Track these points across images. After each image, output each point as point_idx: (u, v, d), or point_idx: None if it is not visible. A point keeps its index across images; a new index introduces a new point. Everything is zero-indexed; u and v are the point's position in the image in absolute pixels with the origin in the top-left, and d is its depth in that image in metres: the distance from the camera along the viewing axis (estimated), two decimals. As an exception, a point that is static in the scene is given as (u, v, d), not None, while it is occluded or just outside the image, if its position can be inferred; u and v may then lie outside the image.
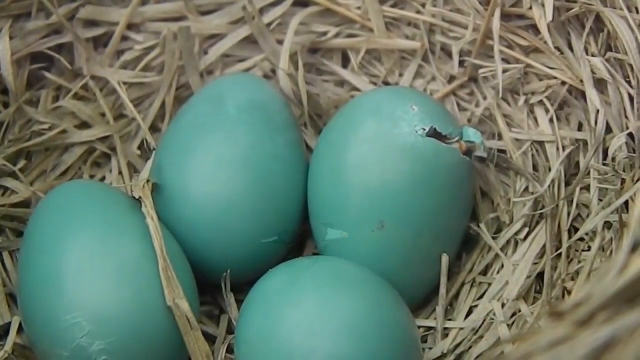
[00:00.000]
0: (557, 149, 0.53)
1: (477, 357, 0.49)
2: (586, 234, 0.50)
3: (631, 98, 0.49)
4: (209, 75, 0.59)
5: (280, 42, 0.58)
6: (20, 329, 0.49)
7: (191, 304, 0.47)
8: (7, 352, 0.48)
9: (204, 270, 0.51)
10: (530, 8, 0.52)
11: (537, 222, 0.52)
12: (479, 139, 0.51)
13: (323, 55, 0.59)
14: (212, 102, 0.54)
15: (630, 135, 0.49)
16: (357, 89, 0.59)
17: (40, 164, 0.56)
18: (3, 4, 0.54)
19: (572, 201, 0.51)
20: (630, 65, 0.49)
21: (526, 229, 0.53)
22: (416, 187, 0.50)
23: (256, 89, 0.55)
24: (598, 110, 0.50)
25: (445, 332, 0.51)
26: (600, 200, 0.50)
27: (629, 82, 0.50)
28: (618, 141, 0.49)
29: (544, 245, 0.51)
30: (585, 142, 0.52)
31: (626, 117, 0.50)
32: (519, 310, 0.50)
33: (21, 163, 0.55)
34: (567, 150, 0.52)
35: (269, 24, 0.58)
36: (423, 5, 0.57)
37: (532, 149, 0.54)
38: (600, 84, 0.51)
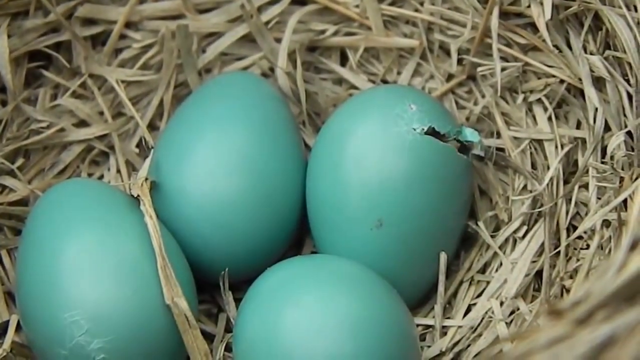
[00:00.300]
0: (556, 147, 0.53)
1: (476, 355, 0.49)
2: (585, 232, 0.50)
3: (630, 96, 0.49)
4: (207, 74, 0.59)
5: (278, 40, 0.58)
6: (18, 328, 0.49)
7: (190, 302, 0.47)
8: (6, 350, 0.48)
9: (203, 268, 0.51)
10: (529, 6, 0.52)
11: (536, 221, 0.52)
12: (477, 139, 0.51)
13: (321, 53, 0.59)
14: (210, 101, 0.54)
15: (629, 133, 0.49)
16: (356, 87, 0.58)
17: (38, 163, 0.56)
18: (1, 2, 0.54)
19: (570, 199, 0.51)
20: (629, 64, 0.49)
21: (525, 227, 0.53)
22: (414, 186, 0.50)
23: (254, 87, 0.55)
24: (597, 109, 0.50)
25: (444, 331, 0.51)
26: (599, 198, 0.50)
27: (627, 81, 0.50)
28: (617, 139, 0.49)
29: (543, 244, 0.51)
30: (584, 141, 0.52)
31: (625, 115, 0.50)
32: (518, 309, 0.50)
33: (19, 161, 0.55)
34: (566, 149, 0.52)
35: (267, 23, 0.58)
36: (421, 3, 0.57)
37: (530, 148, 0.54)
38: (599, 83, 0.51)
